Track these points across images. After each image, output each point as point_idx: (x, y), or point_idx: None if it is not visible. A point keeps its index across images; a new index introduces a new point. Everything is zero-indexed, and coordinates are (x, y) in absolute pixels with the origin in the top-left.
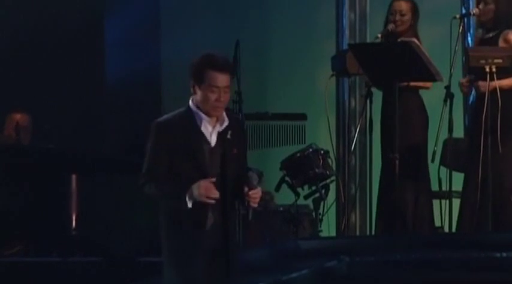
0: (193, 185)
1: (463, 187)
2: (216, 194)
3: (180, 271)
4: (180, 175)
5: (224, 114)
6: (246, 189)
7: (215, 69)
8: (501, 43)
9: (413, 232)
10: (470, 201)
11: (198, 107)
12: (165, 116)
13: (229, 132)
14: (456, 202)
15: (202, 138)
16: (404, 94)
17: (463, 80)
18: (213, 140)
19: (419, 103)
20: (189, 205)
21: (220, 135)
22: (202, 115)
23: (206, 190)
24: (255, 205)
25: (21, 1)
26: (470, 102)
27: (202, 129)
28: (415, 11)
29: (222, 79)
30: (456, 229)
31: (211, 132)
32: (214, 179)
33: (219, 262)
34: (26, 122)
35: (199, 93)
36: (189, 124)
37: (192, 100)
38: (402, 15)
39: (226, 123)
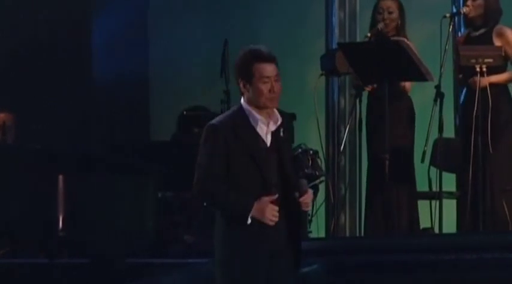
0: (256, 206)
1: (457, 188)
2: (277, 216)
3: (241, 271)
4: (239, 178)
5: (276, 111)
6: (297, 194)
7: (261, 60)
8: (495, 39)
9: (404, 234)
10: (464, 201)
11: (251, 107)
12: (219, 118)
13: (281, 130)
14: (446, 203)
15: (259, 139)
16: (393, 93)
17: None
18: (268, 140)
19: (408, 103)
20: (249, 221)
21: (274, 134)
22: (257, 115)
23: (271, 214)
24: (307, 209)
25: (7, 2)
26: (461, 101)
27: (258, 129)
28: (401, 9)
29: (270, 69)
30: (456, 229)
31: (266, 131)
32: (276, 196)
33: (282, 262)
34: (10, 122)
35: (251, 89)
36: (244, 125)
37: (244, 101)
38: (390, 12)
39: (279, 121)
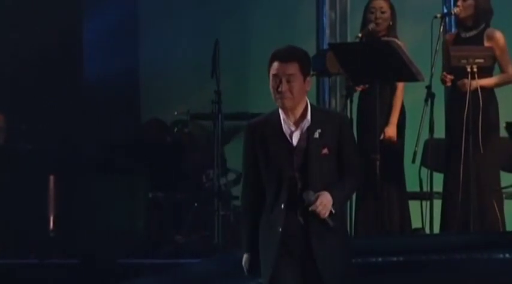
0: (245, 254)
1: (444, 188)
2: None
3: (263, 272)
4: (264, 176)
5: (309, 112)
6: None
7: (274, 58)
8: (486, 41)
9: (395, 234)
10: (452, 201)
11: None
12: (259, 116)
13: (318, 131)
14: (437, 203)
15: (282, 138)
16: (384, 94)
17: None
18: (294, 140)
19: None
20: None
21: (306, 134)
22: (282, 114)
23: (245, 266)
24: (325, 215)
25: None
26: (450, 101)
27: (284, 128)
28: (393, 9)
29: (280, 67)
30: (440, 230)
31: (293, 131)
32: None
33: (310, 267)
34: (1, 122)
35: None
36: (273, 124)
37: None
38: (382, 12)
39: (307, 123)
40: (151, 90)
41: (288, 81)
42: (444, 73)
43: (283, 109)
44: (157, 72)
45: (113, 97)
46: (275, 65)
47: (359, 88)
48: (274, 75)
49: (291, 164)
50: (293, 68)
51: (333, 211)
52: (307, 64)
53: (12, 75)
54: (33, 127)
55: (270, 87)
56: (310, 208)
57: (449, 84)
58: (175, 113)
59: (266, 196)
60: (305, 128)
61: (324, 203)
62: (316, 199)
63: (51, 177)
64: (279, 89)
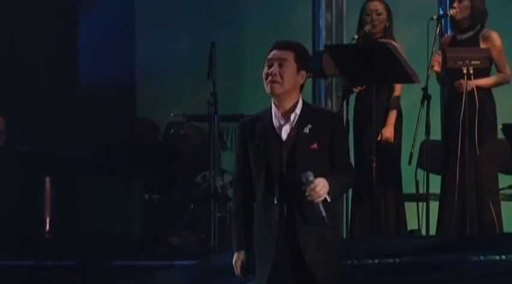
0: (236, 252)
1: (441, 189)
2: (238, 274)
3: (259, 270)
4: (253, 171)
5: (299, 106)
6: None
7: (273, 47)
8: (482, 42)
9: (391, 236)
10: (449, 203)
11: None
12: (252, 115)
13: (308, 127)
14: (433, 205)
15: (272, 132)
16: (381, 95)
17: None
18: (284, 134)
19: None
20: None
21: (295, 129)
22: (274, 108)
23: (236, 266)
24: (319, 199)
25: None
26: (447, 103)
27: (274, 123)
28: (389, 11)
29: (275, 53)
30: (436, 231)
31: (282, 125)
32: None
33: (293, 267)
34: (1, 124)
35: None
36: (264, 119)
37: None
38: (378, 14)
39: (296, 116)
40: (148, 91)
41: (280, 65)
42: (434, 57)
43: (272, 96)
44: (153, 74)
45: (109, 98)
46: (272, 52)
47: (356, 90)
48: (269, 60)
49: (280, 159)
50: (287, 55)
51: (328, 200)
52: (303, 57)
53: (9, 75)
54: (29, 128)
55: (263, 73)
56: (307, 186)
57: (436, 68)
58: (172, 115)
59: (257, 194)
60: (294, 122)
61: (322, 184)
62: (312, 182)
63: (47, 179)
64: (271, 72)
